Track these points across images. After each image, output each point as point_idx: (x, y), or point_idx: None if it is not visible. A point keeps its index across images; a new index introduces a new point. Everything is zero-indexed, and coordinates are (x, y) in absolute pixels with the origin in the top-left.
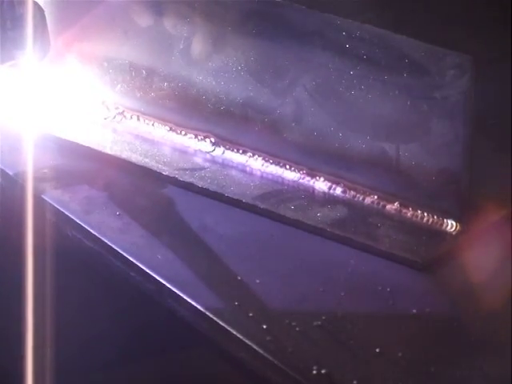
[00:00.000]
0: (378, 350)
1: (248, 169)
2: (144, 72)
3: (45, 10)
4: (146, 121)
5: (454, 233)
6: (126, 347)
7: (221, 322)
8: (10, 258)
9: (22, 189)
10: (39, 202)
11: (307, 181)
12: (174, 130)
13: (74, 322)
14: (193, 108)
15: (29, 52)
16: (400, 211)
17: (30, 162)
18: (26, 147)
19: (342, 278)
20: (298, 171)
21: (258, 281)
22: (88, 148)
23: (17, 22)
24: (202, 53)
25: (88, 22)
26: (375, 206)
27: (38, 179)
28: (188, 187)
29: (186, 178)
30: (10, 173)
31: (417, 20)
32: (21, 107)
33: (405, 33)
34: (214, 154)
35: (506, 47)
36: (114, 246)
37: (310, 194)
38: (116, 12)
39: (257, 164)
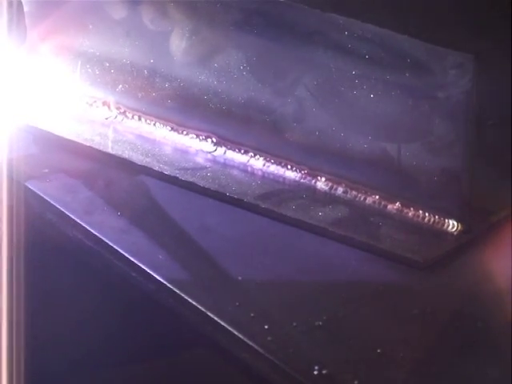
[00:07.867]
0: (379, 351)
1: (249, 168)
2: (145, 72)
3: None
4: (148, 120)
5: (455, 233)
6: (126, 347)
7: (222, 322)
8: (8, 258)
9: (23, 189)
10: (40, 201)
11: (308, 180)
12: (175, 130)
13: (74, 321)
14: (194, 108)
15: (4, 41)
16: (401, 211)
17: (29, 162)
18: (25, 147)
19: (343, 277)
20: (300, 171)
21: (259, 281)
22: (89, 148)
23: None
24: (204, 52)
25: (86, 19)
26: (376, 205)
27: (39, 179)
28: (189, 187)
29: (188, 177)
30: (10, 172)
31: (418, 19)
32: (15, 102)
33: (407, 32)
34: (215, 153)
35: (507, 47)
36: (114, 246)
37: (311, 194)
38: (117, 11)
39: (258, 164)
